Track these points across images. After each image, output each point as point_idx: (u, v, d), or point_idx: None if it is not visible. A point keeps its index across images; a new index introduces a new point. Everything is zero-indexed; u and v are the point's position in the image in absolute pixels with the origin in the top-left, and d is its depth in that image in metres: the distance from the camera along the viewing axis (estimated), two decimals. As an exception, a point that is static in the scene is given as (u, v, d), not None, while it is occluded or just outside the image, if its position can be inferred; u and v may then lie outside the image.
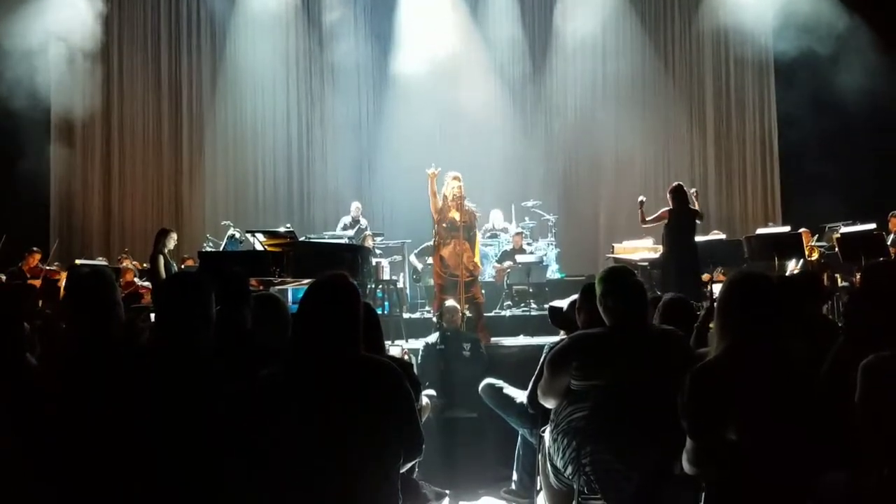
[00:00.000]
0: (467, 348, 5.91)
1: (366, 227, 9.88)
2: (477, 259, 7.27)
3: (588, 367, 2.90)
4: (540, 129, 12.99)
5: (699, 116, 12.65)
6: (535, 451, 3.99)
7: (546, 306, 5.08)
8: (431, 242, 7.64)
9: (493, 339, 6.95)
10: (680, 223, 7.37)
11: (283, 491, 2.24)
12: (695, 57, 12.68)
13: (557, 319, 4.03)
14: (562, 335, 4.03)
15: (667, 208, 7.49)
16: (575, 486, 2.97)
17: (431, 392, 5.09)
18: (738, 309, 2.36)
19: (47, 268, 8.84)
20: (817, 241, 8.98)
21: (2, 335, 2.56)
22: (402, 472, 2.49)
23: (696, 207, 7.69)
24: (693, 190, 8.03)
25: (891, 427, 2.26)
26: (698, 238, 7.64)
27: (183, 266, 9.05)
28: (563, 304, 3.94)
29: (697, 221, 7.61)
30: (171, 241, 7.89)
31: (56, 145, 11.55)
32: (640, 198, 7.97)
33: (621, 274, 3.07)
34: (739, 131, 12.50)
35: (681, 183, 7.77)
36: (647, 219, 7.71)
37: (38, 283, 8.26)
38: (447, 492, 3.45)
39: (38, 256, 8.88)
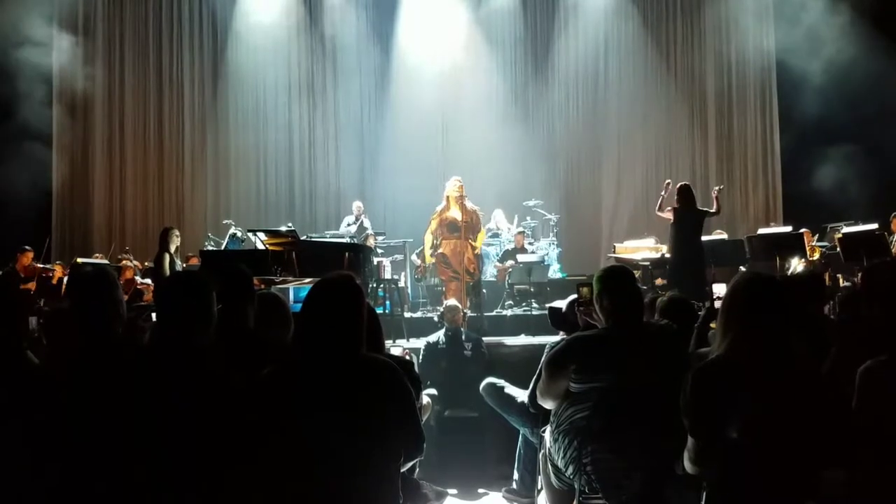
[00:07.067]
0: (468, 347, 5.91)
1: (368, 227, 9.89)
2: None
3: (586, 370, 2.90)
4: (542, 129, 13.00)
5: (701, 116, 12.66)
6: (535, 450, 3.99)
7: (547, 306, 5.08)
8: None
9: (495, 339, 6.96)
10: (685, 223, 7.37)
11: (285, 489, 2.24)
12: (696, 57, 12.69)
13: (556, 320, 4.03)
14: (561, 335, 4.04)
15: (672, 207, 7.51)
16: (576, 486, 2.97)
17: (432, 391, 5.09)
18: (744, 309, 2.36)
19: (41, 266, 8.79)
20: (819, 241, 8.97)
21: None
22: (402, 471, 2.49)
23: (715, 208, 7.70)
24: (716, 188, 8.05)
25: (889, 430, 2.27)
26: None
27: (186, 265, 9.05)
28: (562, 304, 3.94)
29: (710, 218, 7.64)
30: (176, 239, 7.91)
31: (58, 144, 11.56)
32: (667, 181, 8.07)
33: (617, 273, 3.07)
34: (741, 131, 12.52)
35: (687, 183, 7.78)
36: (660, 212, 7.74)
37: (32, 285, 8.22)
38: (448, 491, 3.46)
39: (30, 255, 8.83)
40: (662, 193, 7.83)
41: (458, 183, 7.69)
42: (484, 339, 6.27)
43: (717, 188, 8.09)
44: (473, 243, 7.68)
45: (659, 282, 8.00)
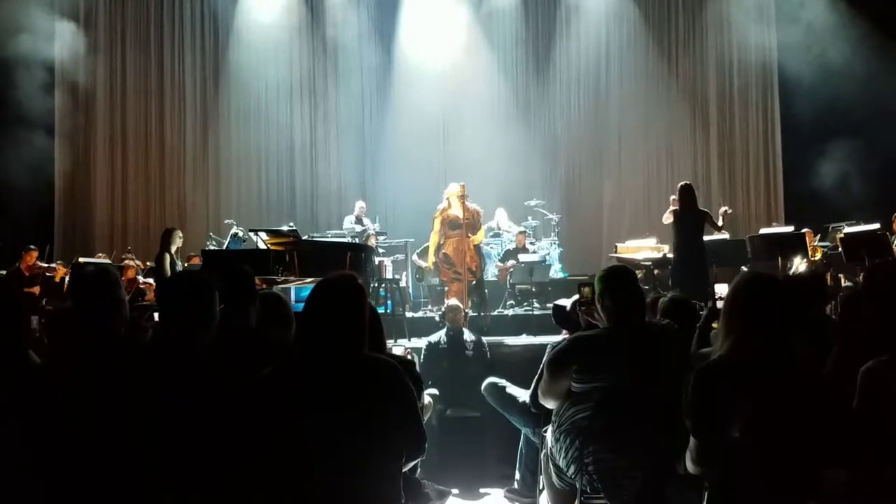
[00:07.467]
0: (470, 347, 5.92)
1: (371, 227, 9.88)
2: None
3: (588, 370, 2.90)
4: (543, 129, 12.98)
5: (702, 115, 12.64)
6: (537, 450, 3.99)
7: (549, 305, 5.09)
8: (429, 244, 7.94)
9: (496, 339, 6.97)
10: (686, 223, 7.36)
11: (286, 490, 2.24)
12: (698, 56, 12.67)
13: (560, 318, 4.03)
14: (564, 334, 4.04)
15: (674, 208, 7.50)
16: (578, 486, 2.97)
17: (434, 391, 5.09)
18: (745, 309, 2.36)
19: (45, 265, 8.79)
20: (820, 240, 8.96)
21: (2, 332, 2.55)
22: (404, 470, 2.49)
23: (720, 223, 7.65)
24: (723, 209, 7.94)
25: (890, 430, 2.27)
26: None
27: (188, 264, 9.06)
28: (566, 303, 3.94)
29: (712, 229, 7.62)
30: (178, 240, 7.92)
31: (60, 143, 11.56)
32: (673, 197, 8.00)
33: (619, 274, 3.07)
34: (742, 130, 12.50)
35: (688, 182, 7.76)
36: (665, 221, 7.72)
37: (36, 289, 8.26)
38: (450, 491, 3.46)
39: (34, 254, 8.80)
40: (672, 208, 7.76)
41: (459, 184, 7.83)
42: (485, 338, 6.28)
43: (724, 209, 7.95)
44: (472, 236, 7.77)
45: (657, 272, 8.00)
